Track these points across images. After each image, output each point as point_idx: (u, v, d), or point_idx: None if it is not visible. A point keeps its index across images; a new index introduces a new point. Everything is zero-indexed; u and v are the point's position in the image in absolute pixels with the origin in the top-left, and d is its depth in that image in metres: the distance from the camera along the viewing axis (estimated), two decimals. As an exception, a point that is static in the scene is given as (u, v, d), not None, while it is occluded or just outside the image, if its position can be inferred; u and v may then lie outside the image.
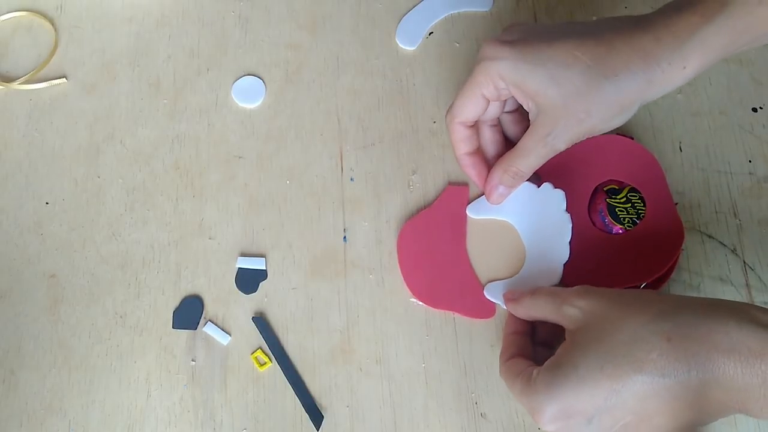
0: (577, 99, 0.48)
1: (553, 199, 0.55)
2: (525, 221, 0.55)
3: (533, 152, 0.51)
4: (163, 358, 0.54)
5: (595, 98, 0.48)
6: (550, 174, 0.57)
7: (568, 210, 0.55)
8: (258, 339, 0.54)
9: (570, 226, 0.54)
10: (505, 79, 0.49)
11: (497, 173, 0.53)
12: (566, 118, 0.49)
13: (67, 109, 0.62)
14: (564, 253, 0.54)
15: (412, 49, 0.63)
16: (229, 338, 0.54)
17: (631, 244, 0.54)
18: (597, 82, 0.47)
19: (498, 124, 0.55)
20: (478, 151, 0.55)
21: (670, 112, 0.60)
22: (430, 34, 0.64)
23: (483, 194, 0.56)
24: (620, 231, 0.54)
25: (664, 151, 0.59)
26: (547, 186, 0.56)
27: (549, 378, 0.44)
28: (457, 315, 0.54)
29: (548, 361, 0.45)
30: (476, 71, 0.50)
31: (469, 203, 0.57)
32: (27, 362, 0.54)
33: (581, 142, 0.57)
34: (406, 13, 0.65)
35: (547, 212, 0.55)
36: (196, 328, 0.55)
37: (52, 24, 0.65)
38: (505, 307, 0.53)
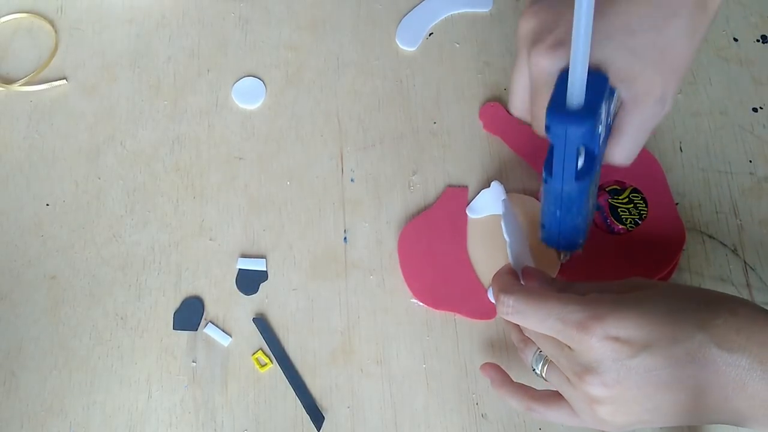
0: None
1: (497, 193, 0.56)
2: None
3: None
4: (163, 359, 0.54)
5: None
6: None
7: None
8: (259, 340, 0.54)
9: (504, 211, 0.53)
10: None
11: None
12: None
13: (68, 111, 0.62)
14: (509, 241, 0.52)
15: (413, 49, 0.63)
16: (230, 339, 0.54)
17: (632, 245, 0.54)
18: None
19: None
20: None
21: (670, 112, 0.60)
22: (430, 34, 0.64)
23: (479, 194, 0.56)
24: (622, 231, 0.54)
25: (664, 151, 0.59)
26: (494, 185, 0.56)
27: (613, 300, 0.43)
28: (457, 316, 0.54)
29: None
30: (528, 68, 0.47)
31: (468, 204, 0.57)
32: (28, 364, 0.54)
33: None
34: (406, 14, 0.65)
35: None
36: (196, 330, 0.55)
37: (53, 25, 0.65)
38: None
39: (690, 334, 0.41)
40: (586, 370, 0.42)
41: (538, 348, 0.47)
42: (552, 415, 0.47)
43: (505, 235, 0.50)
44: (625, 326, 0.41)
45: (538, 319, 0.44)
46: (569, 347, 0.43)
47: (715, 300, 0.43)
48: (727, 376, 0.40)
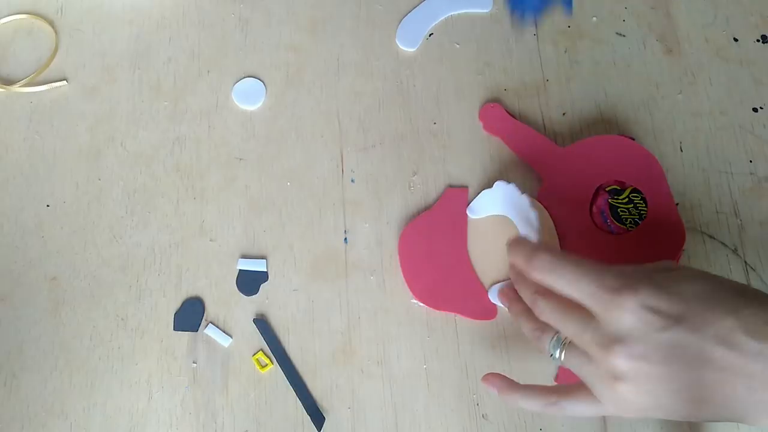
0: None
1: (510, 192, 0.55)
2: (527, 217, 0.55)
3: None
4: (164, 360, 0.54)
5: None
6: (551, 174, 0.57)
7: (569, 211, 0.55)
8: (259, 341, 0.54)
9: (535, 213, 0.54)
10: None
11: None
12: None
13: (68, 112, 0.62)
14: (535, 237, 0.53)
15: (413, 50, 0.63)
16: (231, 340, 0.54)
17: (632, 245, 0.54)
18: None
19: None
20: None
21: (670, 112, 0.60)
22: (430, 35, 0.64)
23: (480, 194, 0.56)
24: (622, 231, 0.54)
25: (664, 151, 0.59)
26: (500, 185, 0.55)
27: (649, 274, 0.43)
28: (458, 316, 0.54)
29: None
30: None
31: (469, 204, 0.57)
32: (28, 365, 0.54)
33: (582, 142, 0.58)
34: (406, 15, 0.65)
35: (516, 208, 0.55)
36: (197, 330, 0.55)
37: (53, 26, 0.65)
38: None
39: (721, 317, 0.41)
40: (613, 340, 0.42)
41: (556, 333, 0.47)
42: (571, 406, 0.46)
43: (529, 232, 0.51)
44: (659, 298, 0.42)
45: (572, 279, 0.44)
46: (596, 319, 0.43)
47: (748, 291, 0.43)
48: (753, 365, 0.40)
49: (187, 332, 0.55)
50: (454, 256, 0.55)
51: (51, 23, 0.65)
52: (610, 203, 0.55)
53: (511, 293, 0.52)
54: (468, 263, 0.55)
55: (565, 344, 0.46)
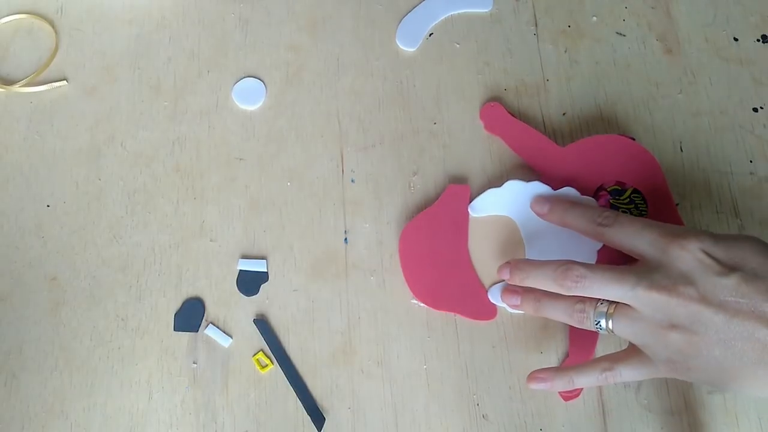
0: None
1: (535, 189, 0.56)
2: (533, 219, 0.55)
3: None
4: (164, 360, 0.54)
5: None
6: (551, 174, 0.57)
7: None
8: (259, 341, 0.54)
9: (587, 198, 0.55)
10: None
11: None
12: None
13: (68, 112, 0.62)
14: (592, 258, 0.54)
15: (413, 50, 0.63)
16: (231, 340, 0.54)
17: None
18: None
19: None
20: None
21: (670, 112, 0.60)
22: (430, 35, 0.64)
23: (485, 192, 0.56)
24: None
25: (664, 151, 0.59)
26: (573, 193, 0.56)
27: (707, 232, 0.46)
28: (458, 316, 0.54)
29: None
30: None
31: (470, 202, 0.57)
32: (28, 365, 0.54)
33: (582, 142, 0.58)
34: (406, 14, 0.65)
35: (524, 209, 0.55)
36: (197, 331, 0.55)
37: (53, 26, 0.65)
38: (510, 310, 0.54)
39: None
40: (672, 280, 0.44)
41: (598, 302, 0.48)
42: (627, 370, 0.48)
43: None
44: (717, 247, 0.45)
45: (635, 230, 0.48)
46: (640, 272, 0.46)
47: None
48: None
49: (187, 332, 0.55)
50: (455, 256, 0.55)
51: (51, 23, 0.65)
52: (611, 203, 0.55)
53: (516, 288, 0.52)
54: (468, 263, 0.55)
55: (610, 312, 0.47)
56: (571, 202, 0.53)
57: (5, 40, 0.65)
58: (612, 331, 0.47)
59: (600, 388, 0.52)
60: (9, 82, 0.63)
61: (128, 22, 0.65)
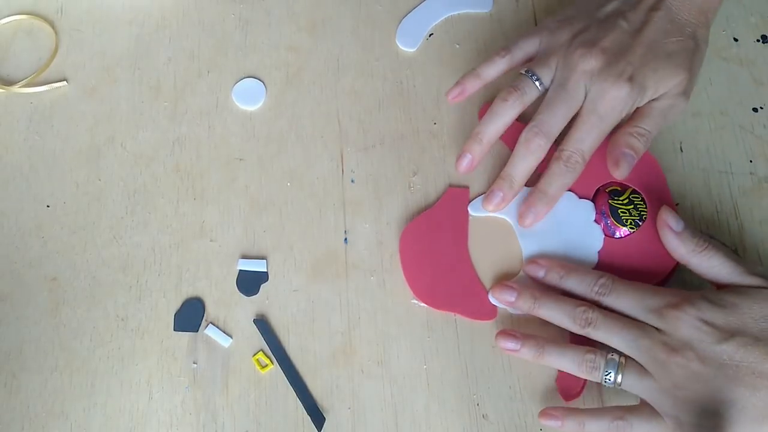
0: None
1: (580, 209, 0.55)
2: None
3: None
4: (164, 360, 0.54)
5: None
6: (550, 175, 0.57)
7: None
8: (259, 341, 0.54)
9: (602, 236, 0.54)
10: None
11: (623, 136, 0.54)
12: None
13: (68, 112, 0.62)
14: (593, 262, 0.54)
15: (413, 50, 0.63)
16: (231, 340, 0.54)
17: (632, 245, 0.54)
18: None
19: None
20: None
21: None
22: (430, 35, 0.64)
23: (484, 194, 0.56)
24: (622, 233, 0.54)
25: (664, 151, 0.59)
26: (570, 195, 0.56)
27: (704, 295, 0.48)
28: (458, 316, 0.54)
29: None
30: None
31: (470, 202, 0.57)
32: (28, 365, 0.54)
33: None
34: (406, 15, 0.65)
35: (571, 221, 0.55)
36: (197, 331, 0.55)
37: (53, 27, 0.65)
38: (511, 310, 0.54)
39: None
40: (672, 348, 0.46)
41: (609, 353, 0.48)
42: (638, 422, 0.48)
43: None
44: (715, 312, 0.46)
45: (635, 298, 0.48)
46: (652, 330, 0.47)
47: None
48: None
49: (187, 333, 0.55)
50: (455, 256, 0.55)
51: (51, 23, 0.65)
52: (610, 204, 0.55)
53: (512, 285, 0.53)
54: (469, 263, 0.55)
55: (621, 364, 0.48)
56: (567, 268, 0.52)
57: (5, 41, 0.65)
58: (620, 385, 0.48)
59: (600, 388, 0.52)
60: (9, 82, 0.63)
61: (128, 23, 0.65)
